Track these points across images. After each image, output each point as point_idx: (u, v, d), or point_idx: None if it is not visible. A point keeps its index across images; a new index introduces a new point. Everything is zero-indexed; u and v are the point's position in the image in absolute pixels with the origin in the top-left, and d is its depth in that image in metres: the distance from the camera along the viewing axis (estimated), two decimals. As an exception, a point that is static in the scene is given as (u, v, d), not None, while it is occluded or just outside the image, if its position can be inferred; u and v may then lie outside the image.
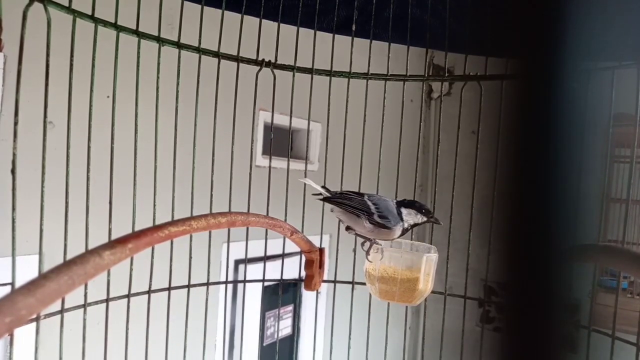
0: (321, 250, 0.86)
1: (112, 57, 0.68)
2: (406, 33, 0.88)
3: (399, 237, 0.76)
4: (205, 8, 0.79)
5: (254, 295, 1.48)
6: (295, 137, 1.67)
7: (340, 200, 0.75)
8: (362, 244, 0.78)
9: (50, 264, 0.43)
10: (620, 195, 1.75)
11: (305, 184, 0.76)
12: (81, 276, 0.40)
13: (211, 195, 0.80)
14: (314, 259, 0.85)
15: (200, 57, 0.78)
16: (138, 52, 0.71)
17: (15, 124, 0.56)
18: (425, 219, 0.76)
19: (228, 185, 0.82)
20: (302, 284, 0.88)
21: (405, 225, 0.75)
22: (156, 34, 0.73)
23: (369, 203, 0.74)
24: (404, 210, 0.75)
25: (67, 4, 0.62)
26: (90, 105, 0.66)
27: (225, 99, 0.81)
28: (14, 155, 0.56)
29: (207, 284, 0.82)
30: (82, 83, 0.64)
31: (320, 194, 0.76)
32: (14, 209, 0.57)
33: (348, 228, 0.77)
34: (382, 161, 0.89)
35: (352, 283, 0.93)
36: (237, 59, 0.83)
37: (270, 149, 0.90)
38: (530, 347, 0.17)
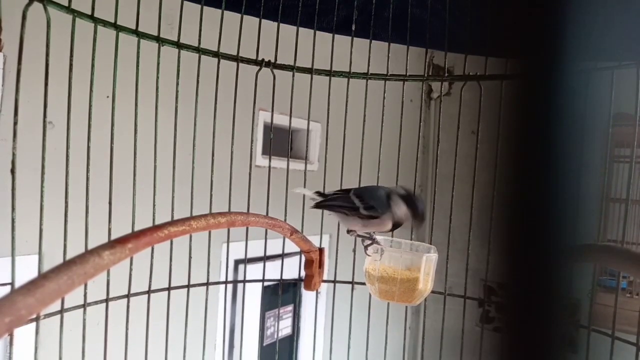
0: (321, 250, 0.86)
1: (112, 57, 0.67)
2: (406, 33, 0.88)
3: (391, 229, 0.73)
4: (205, 8, 0.79)
5: (253, 295, 1.48)
6: (295, 137, 1.67)
7: (328, 202, 0.74)
8: (363, 241, 0.78)
9: (50, 264, 0.43)
10: (620, 195, 1.75)
11: (306, 183, 0.76)
12: (81, 276, 0.40)
13: (211, 195, 0.80)
14: (313, 259, 0.85)
15: (200, 57, 0.78)
16: (138, 52, 0.71)
17: (15, 124, 0.56)
18: (408, 216, 0.69)
19: (228, 185, 0.82)
20: (302, 284, 0.88)
21: (395, 216, 0.69)
22: (156, 34, 0.73)
23: (353, 198, 0.72)
24: (393, 198, 0.69)
25: (66, 4, 0.62)
26: (90, 105, 0.66)
27: (225, 99, 0.81)
28: (14, 155, 0.56)
29: (207, 284, 0.82)
30: (82, 83, 0.64)
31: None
32: (13, 209, 0.57)
33: (349, 231, 0.77)
34: (382, 161, 0.89)
35: (352, 283, 0.93)
36: (237, 59, 0.83)
37: (270, 149, 0.90)
38: (530, 347, 0.17)
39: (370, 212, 0.70)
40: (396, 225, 0.72)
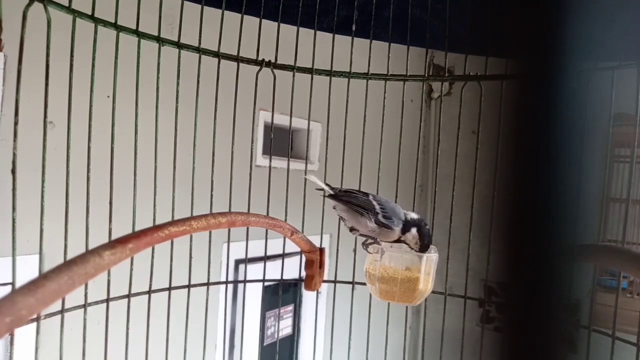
0: (321, 250, 0.86)
1: (112, 57, 0.67)
2: (406, 33, 0.88)
3: (397, 241, 0.76)
4: (205, 8, 0.79)
5: (254, 295, 1.48)
6: (295, 137, 1.67)
7: (346, 198, 0.75)
8: (363, 243, 0.78)
9: (50, 264, 0.43)
10: (620, 195, 1.75)
11: (306, 182, 0.77)
12: (81, 276, 0.40)
13: (211, 195, 0.80)
14: (314, 259, 0.85)
15: (200, 57, 0.78)
16: (138, 52, 0.71)
17: (16, 124, 0.56)
18: (417, 246, 0.75)
19: (228, 185, 0.82)
20: (302, 284, 0.88)
21: (404, 236, 0.75)
22: (156, 34, 0.73)
23: (374, 203, 0.75)
24: (413, 230, 0.75)
25: (67, 4, 0.62)
26: (90, 105, 0.66)
27: (225, 99, 0.81)
28: (14, 155, 0.56)
29: (208, 284, 0.82)
30: (82, 83, 0.64)
31: (324, 190, 0.76)
32: (14, 209, 0.57)
33: (352, 229, 0.77)
34: (382, 161, 0.89)
35: (352, 283, 0.93)
36: (237, 59, 0.83)
37: (270, 149, 0.90)
38: (530, 347, 0.17)
39: (388, 222, 0.74)
40: (399, 241, 0.76)
